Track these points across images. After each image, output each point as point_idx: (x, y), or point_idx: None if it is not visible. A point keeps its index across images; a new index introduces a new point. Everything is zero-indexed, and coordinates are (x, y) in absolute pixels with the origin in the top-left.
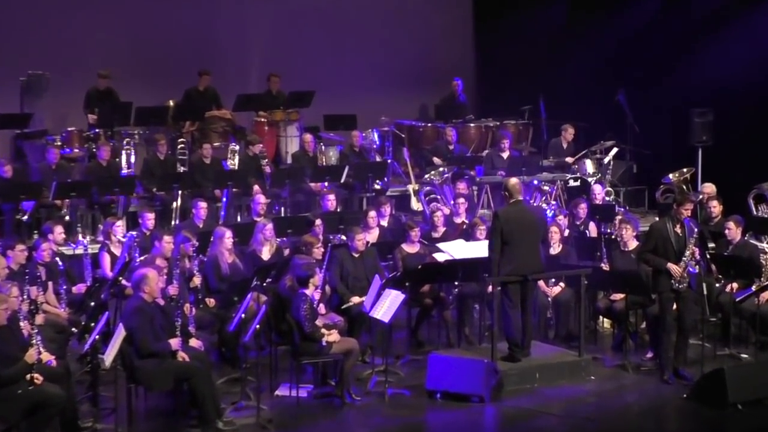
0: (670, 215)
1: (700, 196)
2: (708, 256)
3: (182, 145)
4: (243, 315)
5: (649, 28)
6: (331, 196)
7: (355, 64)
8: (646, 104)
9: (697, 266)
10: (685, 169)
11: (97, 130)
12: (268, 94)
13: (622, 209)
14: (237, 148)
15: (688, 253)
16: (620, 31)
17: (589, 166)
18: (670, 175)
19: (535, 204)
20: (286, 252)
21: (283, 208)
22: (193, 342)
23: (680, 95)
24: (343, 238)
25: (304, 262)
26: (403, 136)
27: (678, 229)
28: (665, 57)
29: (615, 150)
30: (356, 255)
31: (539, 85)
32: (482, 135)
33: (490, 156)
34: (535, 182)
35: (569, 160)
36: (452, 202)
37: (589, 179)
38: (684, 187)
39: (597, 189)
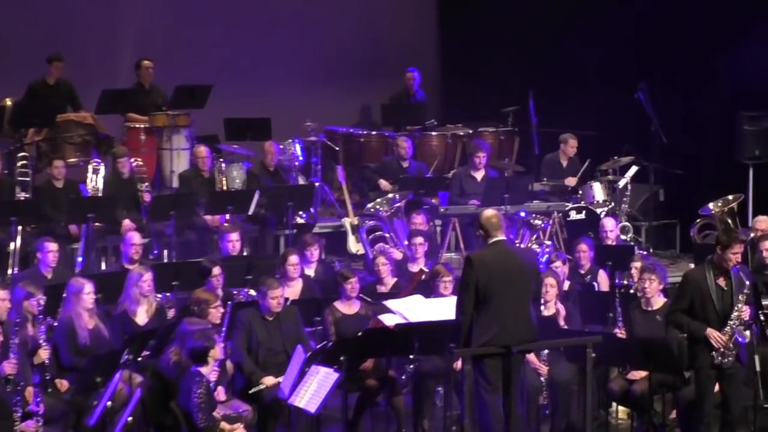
0: (711, 262)
1: (752, 235)
2: (763, 319)
3: (23, 162)
4: (109, 403)
5: (681, 2)
6: (234, 235)
7: (270, 51)
8: (677, 105)
9: (749, 333)
10: (730, 197)
11: None
12: (139, 88)
13: (644, 253)
14: (101, 166)
15: (735, 314)
16: (641, 6)
17: (598, 191)
18: (711, 205)
19: (522, 245)
20: (171, 313)
21: (166, 251)
22: None
23: (724, 93)
24: (252, 293)
25: (197, 329)
26: (336, 149)
27: (722, 282)
28: (703, 41)
29: (634, 169)
30: (270, 318)
31: (528, 78)
32: (448, 148)
33: (460, 177)
34: (523, 214)
35: (570, 182)
36: (406, 242)
37: (598, 210)
38: (730, 221)
39: (608, 224)
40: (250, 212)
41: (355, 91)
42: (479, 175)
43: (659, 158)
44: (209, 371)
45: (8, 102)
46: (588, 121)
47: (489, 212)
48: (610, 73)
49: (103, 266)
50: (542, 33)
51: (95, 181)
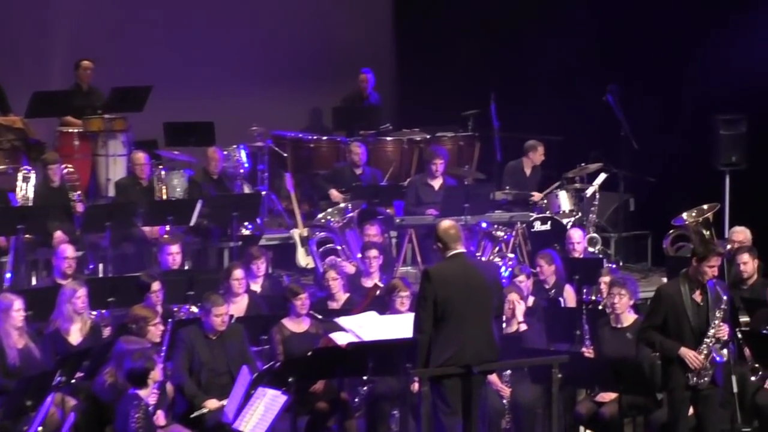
0: (685, 275)
1: (729, 247)
2: (741, 337)
3: None
4: (40, 428)
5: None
6: (175, 247)
7: (214, 50)
8: (649, 109)
9: (726, 352)
10: (706, 206)
11: None
12: (77, 90)
13: (613, 266)
14: (32, 173)
15: (712, 332)
16: (609, 3)
17: (564, 200)
18: (685, 215)
19: (483, 258)
20: (107, 332)
21: (101, 265)
22: None
23: (698, 96)
24: (194, 310)
25: (135, 348)
26: (285, 155)
27: (698, 297)
28: (675, 40)
29: (602, 177)
30: (213, 336)
31: (489, 80)
32: (404, 154)
33: (416, 185)
34: (484, 225)
35: (536, 197)
36: (359, 255)
37: (564, 221)
38: (706, 232)
39: (576, 235)
40: (192, 223)
41: (305, 93)
42: (437, 183)
43: (629, 165)
44: (148, 394)
45: None
46: (553, 126)
47: (447, 223)
48: (577, 74)
49: (34, 281)
50: (504, 32)
51: (25, 189)
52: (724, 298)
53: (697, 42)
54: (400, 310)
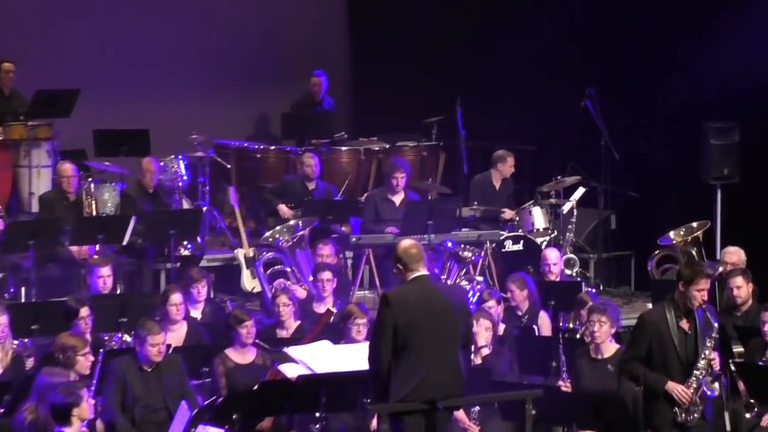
0: (671, 301)
1: (720, 269)
2: (734, 369)
3: None
4: None
5: None
6: (106, 269)
7: (149, 51)
8: (632, 116)
9: (717, 385)
10: (695, 224)
11: None
12: None
13: (593, 290)
14: None
15: (702, 363)
16: (586, 0)
17: (538, 217)
18: (672, 234)
19: (449, 281)
20: (29, 363)
21: (24, 289)
22: None
23: (686, 101)
24: (127, 339)
25: (60, 381)
26: (228, 166)
27: (685, 324)
28: (660, 40)
29: (581, 191)
30: (149, 368)
31: (455, 85)
32: (361, 165)
33: (375, 200)
34: (450, 245)
35: (507, 214)
36: (311, 278)
37: (539, 240)
38: (695, 253)
39: (552, 256)
40: (125, 242)
41: (251, 98)
42: (398, 198)
43: (610, 178)
44: None
45: None
46: (525, 135)
47: (409, 242)
48: (551, 78)
49: None
50: (470, 30)
51: None
52: (715, 325)
53: (684, 42)
54: (356, 338)
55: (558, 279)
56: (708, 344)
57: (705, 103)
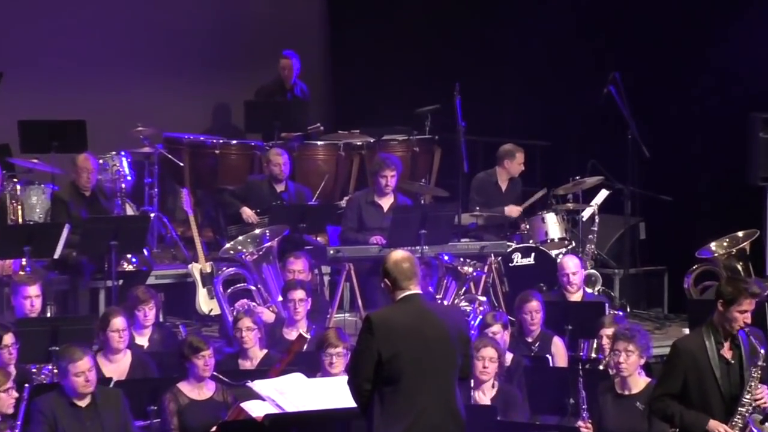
0: (710, 325)
1: None
2: None
3: None
4: None
5: None
6: (33, 288)
7: (85, 27)
8: (665, 105)
9: None
10: (741, 233)
11: None
12: None
13: (619, 313)
14: None
15: (747, 397)
16: None
17: (553, 226)
18: (713, 245)
19: (445, 302)
20: None
21: None
22: None
23: (730, 88)
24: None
25: None
26: (181, 165)
27: (727, 352)
28: (698, 17)
29: (603, 194)
30: (82, 404)
31: (453, 69)
32: (340, 163)
33: (357, 205)
34: (446, 258)
35: (512, 212)
36: (280, 298)
37: (553, 252)
38: (740, 268)
39: (571, 264)
40: (57, 255)
41: (208, 83)
42: (386, 202)
43: (639, 179)
44: None
45: None
46: (537, 127)
47: (401, 254)
48: (568, 62)
49: None
50: (471, 5)
51: None
52: (762, 352)
53: (727, 19)
54: (332, 371)
55: (580, 292)
56: (754, 374)
57: (753, 90)
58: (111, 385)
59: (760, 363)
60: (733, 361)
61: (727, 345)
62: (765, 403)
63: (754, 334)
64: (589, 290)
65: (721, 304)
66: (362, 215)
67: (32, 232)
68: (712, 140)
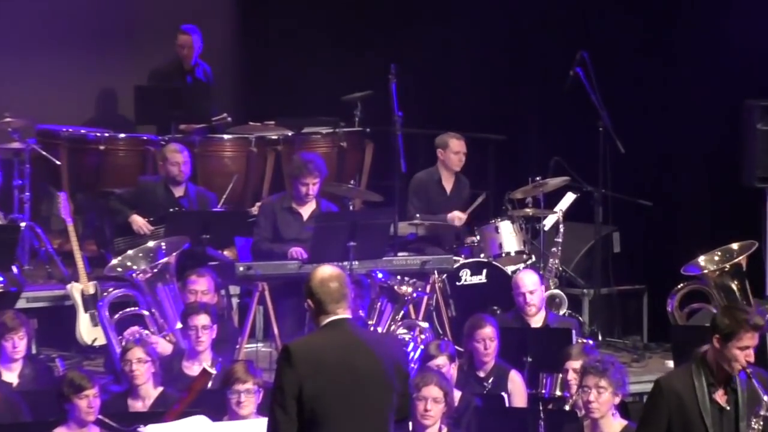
0: (701, 362)
1: None
2: None
3: None
4: None
5: None
6: None
7: None
8: (643, 90)
9: None
10: (735, 245)
11: None
12: None
13: (589, 341)
14: None
15: None
16: None
17: (509, 236)
18: (702, 260)
19: (379, 328)
20: None
21: None
22: None
23: (721, 70)
24: None
25: None
26: (58, 163)
27: (721, 397)
28: None
29: (570, 199)
30: None
31: (388, 46)
32: (252, 161)
33: (272, 210)
34: (380, 276)
35: (455, 219)
36: (179, 325)
37: (509, 269)
38: (734, 287)
39: (528, 281)
40: None
41: (90, 66)
42: (307, 209)
43: (612, 180)
44: None
45: None
46: (489, 117)
47: (329, 271)
48: (527, 38)
49: None
50: None
51: None
52: (765, 399)
53: None
54: (242, 413)
55: (541, 315)
56: (754, 426)
57: (748, 74)
58: None
59: (762, 412)
60: (728, 408)
61: (722, 389)
62: None
63: (757, 376)
64: (556, 313)
65: (717, 340)
66: (278, 225)
67: None
68: (700, 133)
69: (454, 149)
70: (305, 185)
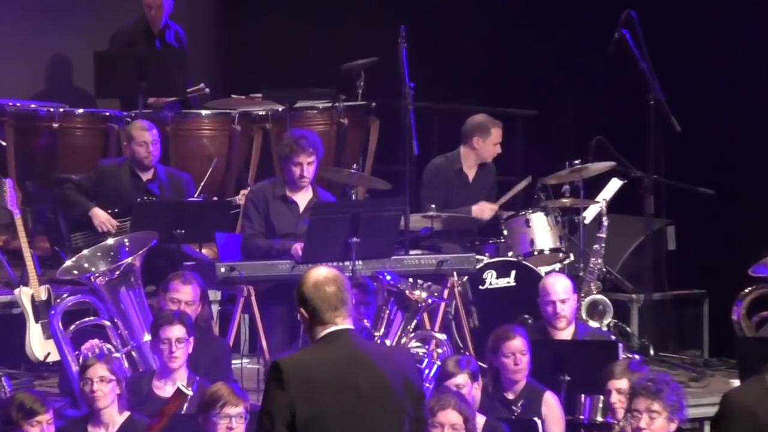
0: None
1: None
2: None
3: None
4: None
5: None
6: None
7: None
8: (702, 57)
9: None
10: None
11: None
12: None
13: (637, 357)
14: None
15: None
16: None
17: (542, 231)
18: None
19: (388, 341)
20: None
21: None
22: None
23: None
24: None
25: None
26: (3, 144)
27: None
28: None
29: (615, 186)
30: None
31: (396, 6)
32: (234, 142)
33: (264, 199)
34: (389, 278)
35: (482, 212)
36: (147, 337)
37: (542, 269)
38: None
39: (557, 287)
40: None
41: (41, 29)
42: (302, 198)
43: (666, 164)
44: None
45: None
46: (517, 90)
47: (320, 274)
48: None
49: None
50: None
51: None
52: None
53: None
54: None
55: (571, 328)
56: None
57: None
58: None
59: None
60: None
61: None
62: None
63: None
64: (594, 324)
65: None
66: (270, 218)
67: None
68: (765, 111)
69: (494, 139)
70: (299, 165)
